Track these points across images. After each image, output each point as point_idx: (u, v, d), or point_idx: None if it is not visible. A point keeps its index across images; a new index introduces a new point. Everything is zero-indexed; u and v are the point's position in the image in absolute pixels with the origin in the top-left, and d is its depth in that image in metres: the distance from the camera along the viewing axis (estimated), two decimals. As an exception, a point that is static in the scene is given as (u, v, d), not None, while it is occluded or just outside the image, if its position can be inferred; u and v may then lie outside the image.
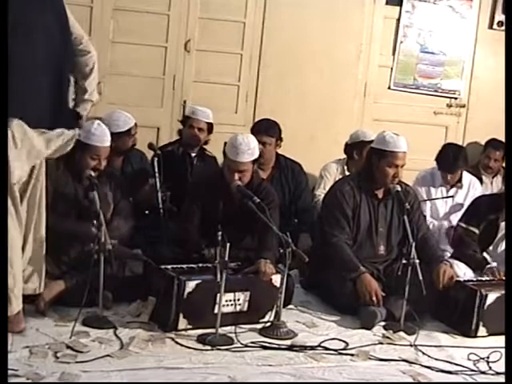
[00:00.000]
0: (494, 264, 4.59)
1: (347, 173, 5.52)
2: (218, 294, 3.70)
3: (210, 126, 5.37)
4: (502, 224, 4.66)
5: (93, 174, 4.06)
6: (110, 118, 4.87)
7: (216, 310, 3.73)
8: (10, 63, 3.26)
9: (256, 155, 4.35)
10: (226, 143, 4.44)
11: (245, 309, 3.95)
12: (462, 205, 5.36)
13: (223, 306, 3.78)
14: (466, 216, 4.89)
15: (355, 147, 5.49)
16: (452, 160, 5.41)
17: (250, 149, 4.29)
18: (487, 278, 4.44)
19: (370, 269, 4.37)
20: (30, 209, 3.59)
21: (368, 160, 4.57)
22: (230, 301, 3.87)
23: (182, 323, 3.78)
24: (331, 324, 4.17)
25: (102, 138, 4.16)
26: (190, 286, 3.75)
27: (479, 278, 4.44)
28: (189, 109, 5.47)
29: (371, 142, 5.23)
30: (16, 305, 3.49)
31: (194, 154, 5.41)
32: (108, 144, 4.20)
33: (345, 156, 5.64)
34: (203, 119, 5.33)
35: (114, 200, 4.30)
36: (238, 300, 3.92)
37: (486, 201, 4.90)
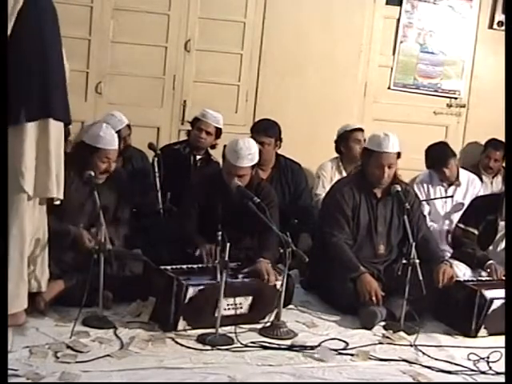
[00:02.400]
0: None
1: (343, 170, 5.64)
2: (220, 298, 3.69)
3: (219, 130, 5.37)
4: (502, 224, 4.66)
5: (92, 173, 4.07)
6: (100, 120, 4.87)
7: (216, 314, 3.71)
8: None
9: (256, 160, 4.36)
10: (225, 146, 4.44)
11: (246, 312, 3.95)
12: (462, 204, 5.38)
13: (224, 309, 3.78)
14: (465, 217, 4.89)
15: (341, 140, 5.66)
16: (439, 154, 5.55)
17: (251, 154, 4.30)
18: (487, 278, 4.44)
19: (370, 269, 4.37)
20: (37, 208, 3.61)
21: (362, 159, 4.62)
22: (232, 305, 3.85)
23: (182, 325, 3.78)
24: (331, 324, 4.17)
25: (111, 140, 4.21)
26: (192, 291, 3.73)
27: (479, 278, 4.44)
28: (200, 111, 5.47)
29: (353, 130, 5.56)
30: (24, 301, 3.52)
31: (199, 157, 5.41)
32: (117, 146, 4.26)
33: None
34: (212, 123, 5.33)
35: (116, 204, 4.32)
36: (240, 304, 3.91)
37: (484, 201, 4.90)
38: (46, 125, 3.42)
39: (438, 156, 5.57)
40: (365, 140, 5.56)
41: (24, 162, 3.35)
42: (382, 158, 4.39)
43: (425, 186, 5.58)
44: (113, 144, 4.22)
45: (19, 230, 3.42)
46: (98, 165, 4.15)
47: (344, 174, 5.58)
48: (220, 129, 5.37)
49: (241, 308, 3.92)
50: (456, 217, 5.28)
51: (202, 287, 3.76)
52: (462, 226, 4.83)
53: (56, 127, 3.48)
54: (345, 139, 5.63)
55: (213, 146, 5.42)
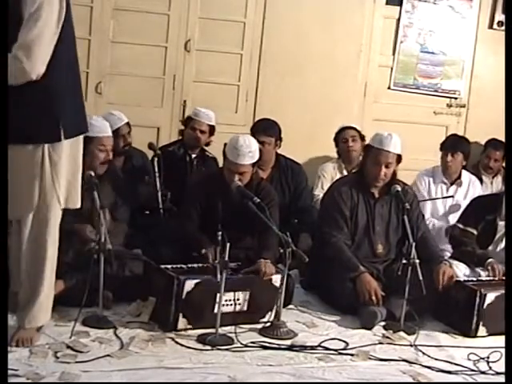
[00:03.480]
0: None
1: (344, 170, 5.70)
2: (218, 294, 3.70)
3: (212, 128, 5.38)
4: (501, 224, 4.67)
5: (92, 174, 4.07)
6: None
7: (215, 310, 3.73)
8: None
9: (256, 158, 4.36)
10: (225, 144, 4.44)
11: (244, 308, 3.95)
12: (459, 205, 5.40)
13: (223, 305, 3.78)
14: (464, 217, 4.89)
15: (335, 142, 5.81)
16: (453, 140, 5.69)
17: (251, 151, 4.29)
18: (487, 278, 4.44)
19: (370, 268, 4.37)
20: None
21: (362, 155, 4.70)
22: (230, 300, 3.87)
23: (182, 323, 3.78)
24: (331, 324, 4.17)
25: (104, 128, 4.25)
26: (189, 285, 3.74)
27: (479, 278, 4.44)
28: (192, 110, 5.46)
29: (341, 130, 5.74)
30: (49, 312, 3.49)
31: (194, 155, 5.41)
32: (110, 133, 4.30)
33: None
34: (205, 121, 5.34)
35: (114, 201, 4.31)
36: (238, 300, 3.92)
37: (483, 201, 4.90)
38: (78, 139, 3.41)
39: (454, 140, 5.71)
40: (353, 137, 5.70)
41: (61, 175, 3.32)
42: (381, 156, 4.40)
43: (426, 179, 5.60)
44: (105, 131, 4.25)
45: (55, 244, 3.38)
46: (96, 154, 4.16)
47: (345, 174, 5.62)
48: (213, 126, 5.37)
49: (239, 304, 3.92)
50: (452, 217, 5.30)
51: (198, 280, 3.77)
52: (460, 225, 4.82)
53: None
54: (337, 140, 5.79)
55: (207, 144, 5.43)
